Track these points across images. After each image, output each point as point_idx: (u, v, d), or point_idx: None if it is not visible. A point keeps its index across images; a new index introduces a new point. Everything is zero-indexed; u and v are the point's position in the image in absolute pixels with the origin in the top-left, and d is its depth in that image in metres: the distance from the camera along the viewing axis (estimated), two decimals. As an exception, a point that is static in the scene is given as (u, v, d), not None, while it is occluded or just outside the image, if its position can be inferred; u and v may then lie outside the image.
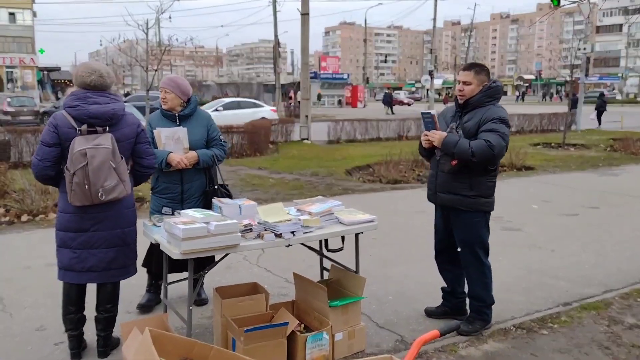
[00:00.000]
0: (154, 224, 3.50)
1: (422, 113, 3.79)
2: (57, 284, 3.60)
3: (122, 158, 3.24)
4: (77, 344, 3.41)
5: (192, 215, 3.20)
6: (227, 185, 4.24)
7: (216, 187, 4.06)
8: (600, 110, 24.26)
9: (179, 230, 2.96)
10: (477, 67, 3.69)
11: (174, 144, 3.93)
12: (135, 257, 3.51)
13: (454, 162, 3.60)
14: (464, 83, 3.65)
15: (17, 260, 5.38)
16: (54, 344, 3.61)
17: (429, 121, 3.70)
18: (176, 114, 4.00)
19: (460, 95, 3.70)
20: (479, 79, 3.63)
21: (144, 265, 4.15)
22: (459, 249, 3.84)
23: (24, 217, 6.97)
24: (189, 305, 3.26)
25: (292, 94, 40.43)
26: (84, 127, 3.16)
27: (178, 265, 3.99)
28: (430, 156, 3.88)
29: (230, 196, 4.08)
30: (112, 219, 3.30)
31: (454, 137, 3.58)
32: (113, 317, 3.47)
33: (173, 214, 3.82)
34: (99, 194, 3.11)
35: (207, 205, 3.86)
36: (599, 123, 23.71)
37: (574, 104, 26.80)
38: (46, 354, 3.50)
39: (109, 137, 3.18)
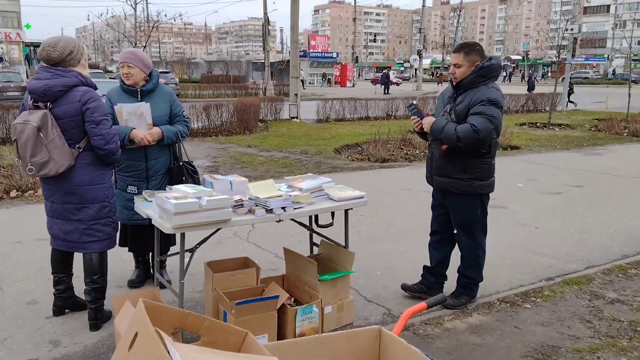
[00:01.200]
0: (145, 199, 3.52)
1: (407, 106, 3.90)
2: (48, 258, 3.65)
3: (58, 135, 3.22)
4: (57, 303, 3.64)
5: (184, 190, 3.22)
6: (192, 161, 4.15)
7: (181, 163, 3.99)
8: (568, 93, 24.72)
9: (170, 205, 2.99)
10: (467, 48, 3.63)
11: (137, 120, 3.81)
12: (100, 236, 3.45)
13: (443, 147, 3.63)
14: (455, 65, 3.62)
15: (6, 236, 5.37)
16: (45, 317, 3.65)
17: (415, 112, 3.78)
18: (138, 89, 3.87)
19: (453, 78, 3.69)
20: (469, 59, 3.58)
21: (120, 245, 4.01)
22: (455, 231, 3.89)
23: (13, 193, 6.93)
24: (180, 279, 3.30)
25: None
26: (30, 102, 3.27)
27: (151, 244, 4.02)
28: (427, 138, 3.92)
29: (196, 173, 4.04)
30: (61, 194, 3.38)
31: (441, 122, 3.59)
32: (100, 289, 3.52)
33: (138, 192, 3.80)
34: (28, 169, 3.22)
35: (172, 183, 3.78)
36: (567, 104, 23.94)
37: (531, 87, 28.65)
38: (38, 327, 3.54)
39: (41, 114, 3.20)
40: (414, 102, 3.88)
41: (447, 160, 3.69)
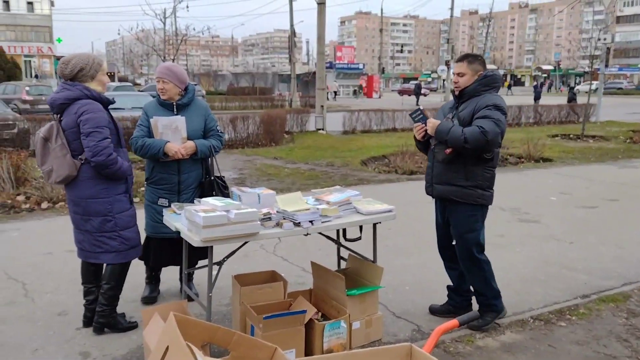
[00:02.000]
0: (174, 212, 3.54)
1: (410, 114, 3.80)
2: (78, 269, 3.70)
3: (60, 146, 3.35)
4: (87, 314, 3.69)
5: (213, 204, 3.23)
6: (224, 177, 4.14)
7: (212, 178, 4.00)
8: (569, 99, 26.47)
9: (199, 217, 2.99)
10: (470, 57, 3.65)
11: (172, 134, 3.83)
12: (107, 248, 3.47)
13: (447, 151, 3.56)
14: (458, 74, 3.63)
15: (38, 247, 5.48)
16: (76, 329, 3.68)
17: (420, 117, 3.70)
18: (174, 103, 3.92)
19: (455, 87, 3.67)
20: (472, 68, 3.59)
21: (141, 258, 3.96)
22: (454, 242, 3.78)
23: (44, 205, 7.08)
24: (208, 292, 3.30)
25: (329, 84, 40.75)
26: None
27: (174, 258, 4.06)
28: (426, 149, 3.84)
29: (227, 188, 4.03)
30: (71, 204, 3.54)
31: (447, 124, 3.55)
32: (110, 298, 3.57)
33: (169, 205, 3.80)
34: (42, 175, 3.34)
35: (203, 197, 3.76)
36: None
37: (537, 96, 28.23)
38: (68, 338, 3.57)
39: (49, 125, 3.44)
40: (421, 107, 3.81)
41: (449, 167, 3.61)
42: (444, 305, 4.00)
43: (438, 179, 3.70)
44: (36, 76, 40.73)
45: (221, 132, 4.14)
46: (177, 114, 3.90)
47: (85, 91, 3.39)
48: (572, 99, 27.07)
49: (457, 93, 3.67)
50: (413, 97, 39.73)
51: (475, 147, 3.42)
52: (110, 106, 3.57)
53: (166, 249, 4.03)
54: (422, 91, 39.33)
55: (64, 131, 3.38)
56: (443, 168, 3.65)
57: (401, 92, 49.26)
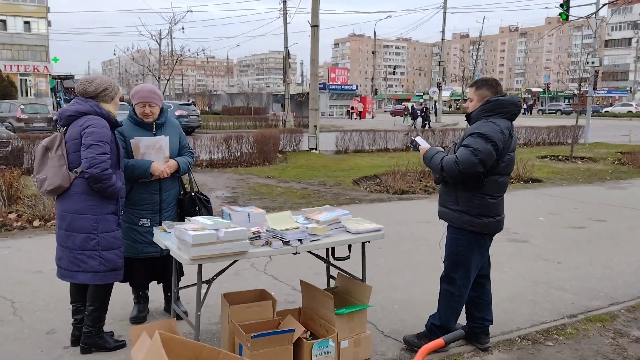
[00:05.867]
0: (165, 230, 3.56)
1: (411, 144, 4.01)
2: (67, 288, 3.69)
3: (59, 156, 3.41)
4: (75, 333, 3.67)
5: (202, 222, 3.26)
6: (200, 192, 4.13)
7: (193, 194, 4.03)
8: (423, 123, 30.80)
9: (189, 236, 3.02)
10: (479, 83, 3.70)
11: (155, 153, 3.85)
12: (85, 267, 3.43)
13: (437, 174, 3.67)
14: (468, 99, 3.72)
15: (28, 265, 5.46)
16: (64, 347, 3.67)
17: (415, 146, 3.87)
18: (153, 123, 3.92)
19: (465, 112, 3.79)
20: (479, 94, 3.62)
21: (123, 281, 3.86)
22: (442, 262, 3.78)
23: (36, 222, 7.06)
24: (197, 311, 3.31)
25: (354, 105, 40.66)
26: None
27: (157, 275, 4.12)
28: None
29: (209, 202, 4.07)
30: (58, 218, 3.54)
31: (433, 151, 3.65)
32: (95, 319, 3.56)
33: (152, 225, 3.82)
34: (35, 193, 3.38)
35: (185, 214, 3.81)
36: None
37: (413, 116, 31.57)
38: (56, 357, 3.56)
39: (53, 136, 3.53)
40: (413, 137, 3.97)
41: (444, 190, 3.70)
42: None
43: (439, 200, 3.79)
44: (35, 94, 40.78)
45: (191, 149, 4.23)
46: (155, 134, 3.94)
47: (95, 108, 3.47)
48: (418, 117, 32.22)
49: (465, 118, 3.76)
50: (405, 118, 39.80)
51: (450, 176, 3.48)
52: None
53: (150, 268, 4.07)
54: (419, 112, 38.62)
55: (66, 142, 3.43)
56: (441, 190, 3.75)
57: (393, 113, 49.58)
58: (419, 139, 3.88)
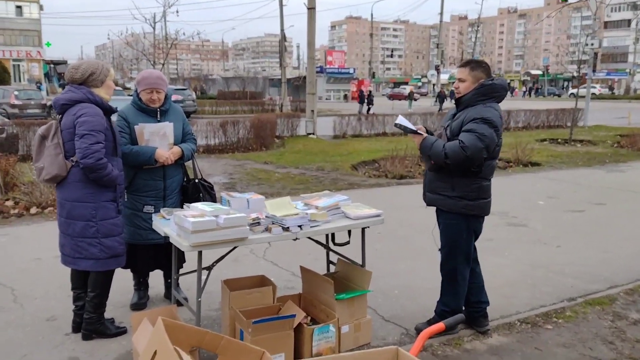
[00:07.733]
0: (164, 217, 3.55)
1: (396, 124, 3.64)
2: (67, 275, 3.69)
3: (55, 145, 3.40)
4: (76, 319, 3.68)
5: (202, 209, 3.24)
6: (204, 178, 4.12)
7: (197, 181, 4.01)
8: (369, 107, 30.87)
9: (188, 223, 3.00)
10: (474, 63, 3.58)
11: (159, 140, 3.83)
12: (87, 254, 3.44)
13: (432, 161, 3.55)
14: (459, 80, 3.56)
15: (26, 252, 5.45)
16: (65, 334, 3.67)
17: (405, 128, 3.58)
18: (157, 109, 3.90)
19: (456, 93, 3.63)
20: (474, 75, 3.51)
21: (126, 267, 3.90)
22: (438, 249, 3.76)
23: (33, 210, 7.04)
24: (197, 297, 3.30)
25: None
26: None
27: (160, 263, 4.13)
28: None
29: (212, 188, 4.06)
30: (59, 206, 3.56)
31: (431, 139, 3.50)
32: (96, 305, 3.57)
33: (156, 211, 3.79)
34: (32, 180, 3.38)
35: (189, 201, 3.77)
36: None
37: (368, 101, 31.71)
38: (57, 343, 3.56)
39: (48, 124, 3.52)
40: (399, 119, 3.63)
41: (437, 177, 3.58)
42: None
43: (428, 187, 3.69)
44: (37, 83, 40.23)
45: (195, 136, 4.20)
46: (160, 120, 3.91)
47: (88, 95, 3.42)
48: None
49: (456, 99, 3.61)
50: (404, 102, 39.53)
51: (455, 162, 3.37)
52: None
53: (152, 255, 4.06)
54: (414, 96, 38.14)
55: (62, 131, 3.41)
56: (433, 177, 3.63)
57: (391, 97, 49.40)
58: (401, 120, 3.61)
